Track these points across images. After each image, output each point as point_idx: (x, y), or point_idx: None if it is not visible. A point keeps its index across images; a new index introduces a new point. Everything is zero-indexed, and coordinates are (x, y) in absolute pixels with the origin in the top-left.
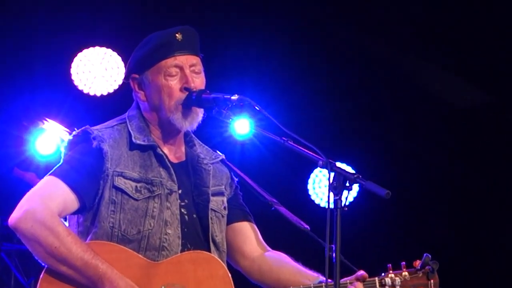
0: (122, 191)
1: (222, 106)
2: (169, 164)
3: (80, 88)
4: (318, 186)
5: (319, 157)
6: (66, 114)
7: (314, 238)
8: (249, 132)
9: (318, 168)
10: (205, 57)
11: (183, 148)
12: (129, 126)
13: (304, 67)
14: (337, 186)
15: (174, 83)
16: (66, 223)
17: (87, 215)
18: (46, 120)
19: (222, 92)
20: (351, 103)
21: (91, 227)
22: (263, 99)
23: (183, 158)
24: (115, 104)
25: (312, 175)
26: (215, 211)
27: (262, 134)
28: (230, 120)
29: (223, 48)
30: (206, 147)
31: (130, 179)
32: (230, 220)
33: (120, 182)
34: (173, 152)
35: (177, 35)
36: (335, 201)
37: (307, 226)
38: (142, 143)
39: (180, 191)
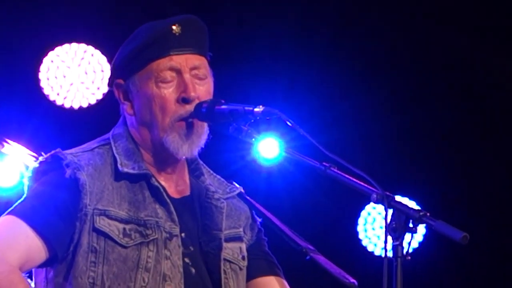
0: (106, 236)
1: (243, 122)
2: (168, 200)
3: (51, 98)
4: (371, 227)
5: (373, 188)
6: (32, 133)
7: None
8: (278, 156)
9: (371, 204)
10: (217, 59)
11: (186, 179)
12: (114, 148)
13: (349, 74)
14: (397, 227)
15: (169, 92)
16: (32, 283)
17: (59, 268)
18: (6, 142)
19: (241, 102)
20: (412, 119)
21: (64, 284)
22: (296, 112)
23: (187, 192)
24: (98, 120)
25: (363, 213)
26: (230, 261)
27: (296, 158)
28: (253, 140)
29: (241, 48)
30: (218, 177)
31: (116, 219)
32: (252, 274)
33: (103, 223)
34: (173, 184)
35: (174, 27)
36: (395, 248)
37: (354, 281)
38: (132, 171)
39: (183, 235)
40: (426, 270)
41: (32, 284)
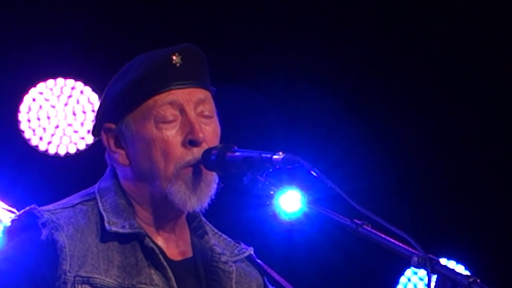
0: None
1: (259, 171)
2: (165, 263)
3: (33, 143)
4: None
5: (413, 250)
6: (10, 185)
7: None
8: (300, 211)
9: (412, 268)
10: (221, 94)
11: (187, 238)
12: (100, 204)
13: (381, 113)
14: None
15: (172, 134)
16: None
17: None
18: None
19: (258, 148)
20: (460, 165)
21: None
22: (320, 161)
23: (189, 254)
24: (88, 169)
25: (402, 279)
26: None
27: (322, 213)
28: (272, 193)
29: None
30: (224, 236)
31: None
32: None
33: None
34: (172, 245)
35: (174, 57)
36: None
37: None
38: (121, 230)
39: None
40: None
41: None
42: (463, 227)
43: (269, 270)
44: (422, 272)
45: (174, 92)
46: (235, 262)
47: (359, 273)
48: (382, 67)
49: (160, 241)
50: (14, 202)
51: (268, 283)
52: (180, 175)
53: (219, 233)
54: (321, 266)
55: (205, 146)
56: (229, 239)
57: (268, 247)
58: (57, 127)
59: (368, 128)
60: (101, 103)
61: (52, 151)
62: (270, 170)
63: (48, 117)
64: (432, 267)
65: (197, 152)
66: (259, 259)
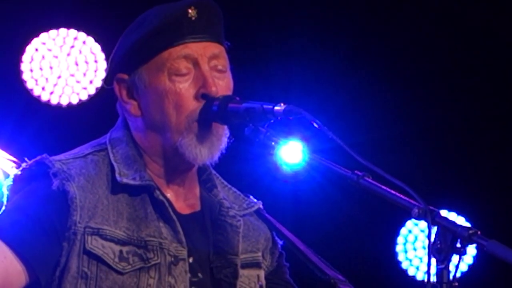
0: (99, 259)
1: (261, 122)
2: (174, 216)
3: (35, 93)
4: (412, 247)
5: (414, 202)
6: (13, 135)
7: None
8: (301, 162)
9: (412, 220)
10: (234, 49)
11: (197, 191)
12: (111, 155)
13: (381, 67)
14: (443, 248)
15: (185, 87)
16: None
17: None
18: None
19: (259, 100)
20: (462, 118)
21: None
22: (322, 112)
23: (197, 207)
24: (90, 119)
25: (403, 231)
26: None
27: (323, 165)
28: (273, 143)
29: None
30: (234, 189)
31: (111, 240)
32: None
33: (96, 244)
34: (181, 198)
35: (189, 10)
36: (439, 272)
37: None
38: (132, 182)
39: (191, 260)
40: None
41: None
42: (464, 179)
43: (277, 224)
44: (423, 224)
45: (189, 46)
46: (243, 216)
47: (360, 225)
48: (384, 18)
49: (169, 194)
50: (17, 152)
51: (276, 238)
52: (192, 128)
53: (229, 186)
54: (322, 218)
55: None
56: (238, 192)
57: (269, 198)
58: (59, 77)
59: (370, 81)
60: (114, 53)
61: (54, 101)
62: (272, 121)
63: (51, 67)
64: (433, 219)
65: None
66: (268, 213)
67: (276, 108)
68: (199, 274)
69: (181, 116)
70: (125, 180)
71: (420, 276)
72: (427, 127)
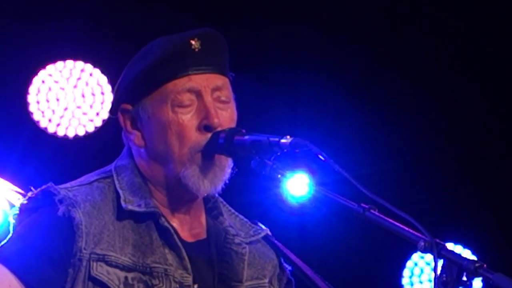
0: (104, 286)
1: (267, 155)
2: (179, 243)
3: (42, 125)
4: (418, 280)
5: (420, 235)
6: (19, 166)
7: None
8: (307, 195)
9: (418, 253)
10: (240, 80)
11: (203, 219)
12: (116, 182)
13: (387, 100)
14: (448, 281)
15: (188, 118)
16: None
17: None
18: None
19: (265, 132)
20: (468, 151)
21: None
22: (329, 145)
23: (203, 235)
24: (97, 151)
25: (409, 264)
26: None
27: (329, 197)
28: (280, 176)
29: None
30: (240, 216)
31: (117, 266)
32: None
33: (101, 271)
34: (186, 226)
35: (192, 42)
36: None
37: None
38: (137, 209)
39: (196, 287)
40: None
41: None
42: (470, 212)
43: (285, 250)
44: (429, 257)
45: (192, 78)
46: (250, 243)
47: (366, 257)
48: (391, 50)
49: (174, 222)
50: (23, 183)
51: (284, 264)
52: (194, 159)
53: (236, 213)
54: (328, 250)
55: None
56: (245, 219)
57: (276, 230)
58: (66, 109)
59: (375, 113)
60: (119, 83)
61: (61, 133)
62: (278, 153)
63: (57, 99)
64: (439, 252)
65: None
66: (276, 239)
67: (283, 140)
68: None
69: (184, 147)
70: (130, 207)
71: None
72: (433, 160)
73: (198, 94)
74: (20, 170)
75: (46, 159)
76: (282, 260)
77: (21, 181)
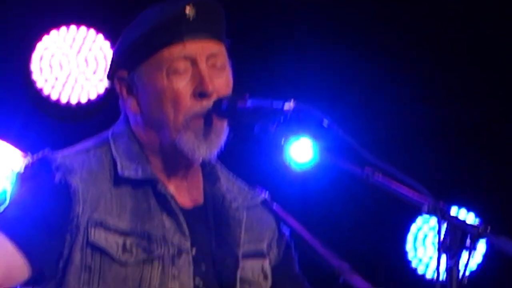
0: (102, 251)
1: (270, 120)
2: (177, 209)
3: (45, 92)
4: (422, 245)
5: (424, 199)
6: (22, 133)
7: None
8: (311, 160)
9: (422, 217)
10: (237, 44)
11: (200, 185)
12: (113, 149)
13: (391, 61)
14: (452, 245)
15: (183, 85)
16: None
17: (49, 287)
18: None
19: (269, 97)
20: (471, 112)
21: None
22: (331, 109)
23: (201, 201)
24: (100, 118)
25: (413, 228)
26: (249, 282)
27: (333, 162)
28: (283, 142)
29: (268, 36)
30: (239, 182)
31: (115, 231)
32: None
33: (99, 236)
34: (183, 192)
35: (187, 8)
36: (449, 269)
37: None
38: (134, 176)
39: (194, 252)
40: None
41: None
42: (474, 176)
43: (284, 215)
44: (433, 221)
45: (187, 45)
46: (248, 208)
47: (370, 222)
48: (398, 11)
49: (172, 189)
50: (26, 151)
51: (282, 229)
52: (189, 126)
53: (234, 178)
54: (332, 215)
55: (215, 98)
56: (243, 185)
57: (279, 197)
58: (68, 75)
59: (381, 78)
60: (114, 51)
61: (63, 100)
62: (281, 119)
63: (60, 66)
64: (443, 215)
65: (206, 104)
66: (275, 204)
67: (286, 106)
68: (202, 266)
69: (179, 114)
70: (127, 174)
71: (430, 274)
72: (436, 124)
73: (193, 62)
74: (23, 137)
75: (49, 126)
76: (281, 224)
77: (25, 148)
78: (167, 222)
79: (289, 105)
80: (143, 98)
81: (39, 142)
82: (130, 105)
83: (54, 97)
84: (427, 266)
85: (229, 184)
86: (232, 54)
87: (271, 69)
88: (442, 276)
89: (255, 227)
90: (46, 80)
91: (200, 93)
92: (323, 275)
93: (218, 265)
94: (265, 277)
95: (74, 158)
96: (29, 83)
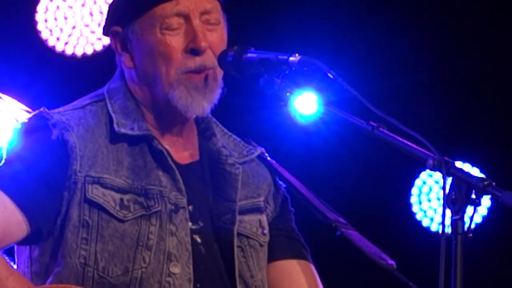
0: (100, 208)
1: (275, 73)
2: (173, 165)
3: (50, 44)
4: (427, 198)
5: (429, 153)
6: (27, 85)
7: (402, 280)
8: (316, 113)
9: (427, 171)
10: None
11: (195, 141)
12: (109, 105)
13: (397, 14)
14: (457, 199)
15: (175, 40)
16: (13, 265)
17: (45, 246)
18: None
19: (274, 50)
20: (477, 65)
21: (52, 264)
22: (336, 62)
23: (196, 157)
24: (104, 70)
25: (417, 182)
26: (248, 237)
27: (337, 116)
28: (288, 94)
29: None
30: (234, 136)
31: (112, 188)
32: (273, 255)
33: (96, 193)
34: (180, 148)
35: None
36: (454, 223)
37: (393, 262)
38: (130, 132)
39: (191, 208)
40: (490, 249)
41: (14, 266)
42: (478, 130)
43: (279, 168)
44: (437, 175)
45: (181, 1)
46: (244, 163)
47: (375, 176)
48: None
49: (167, 144)
50: (31, 103)
51: (278, 182)
52: (181, 81)
53: (229, 133)
54: (336, 169)
55: (209, 54)
56: (238, 139)
57: (283, 150)
58: (74, 27)
59: (385, 29)
60: (110, 6)
61: (69, 51)
62: (286, 71)
63: (65, 18)
64: (447, 170)
65: (199, 60)
66: (271, 158)
67: (291, 58)
68: (200, 222)
69: (171, 68)
70: (123, 130)
71: (435, 227)
72: (441, 78)
73: (187, 18)
74: (28, 89)
75: (54, 78)
76: (276, 178)
77: (29, 100)
78: (164, 179)
79: (294, 58)
80: (137, 54)
81: (43, 95)
82: (124, 60)
83: (59, 49)
84: (432, 219)
85: (224, 139)
86: (235, 8)
87: (274, 22)
88: (447, 229)
89: (251, 181)
90: (51, 32)
91: (192, 49)
92: (320, 229)
93: (215, 221)
94: (263, 231)
95: (70, 115)
96: (34, 34)
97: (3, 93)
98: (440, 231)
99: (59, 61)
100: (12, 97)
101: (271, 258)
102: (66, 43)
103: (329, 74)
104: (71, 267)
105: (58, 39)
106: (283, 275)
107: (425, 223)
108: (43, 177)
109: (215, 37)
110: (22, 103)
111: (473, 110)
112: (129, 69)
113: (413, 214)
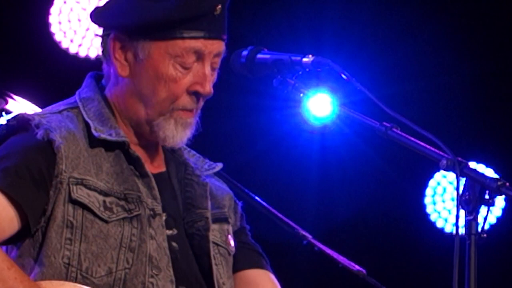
0: (85, 207)
1: (289, 74)
2: (149, 172)
3: (63, 46)
4: (441, 199)
5: (443, 153)
6: (41, 87)
7: (375, 284)
8: (330, 114)
9: (441, 172)
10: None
11: (161, 153)
12: (84, 113)
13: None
14: (471, 199)
15: (184, 79)
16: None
17: (27, 245)
18: (11, 97)
19: (288, 51)
20: (491, 71)
21: (34, 264)
22: (350, 63)
23: (163, 168)
24: None
25: (431, 183)
26: (218, 245)
27: (351, 116)
28: (301, 95)
29: None
30: (193, 152)
31: (95, 190)
32: (236, 266)
33: (82, 193)
34: (149, 158)
35: (218, 7)
36: (468, 223)
37: (362, 269)
38: (109, 138)
39: (165, 216)
40: (505, 249)
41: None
42: (492, 131)
43: (238, 185)
44: (451, 176)
45: (203, 41)
46: (206, 177)
47: (389, 177)
48: None
49: (139, 153)
50: (44, 105)
51: (235, 198)
52: (173, 115)
53: (188, 149)
54: (350, 170)
55: (204, 99)
56: (197, 154)
57: (297, 152)
58: (87, 29)
59: (400, 31)
60: (123, 10)
61: (82, 53)
62: (300, 72)
63: (79, 20)
64: (461, 170)
65: (198, 102)
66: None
67: (305, 59)
68: (174, 229)
69: (170, 103)
70: (102, 136)
71: (449, 228)
72: (456, 79)
73: (200, 57)
74: (41, 91)
75: (68, 80)
76: (233, 193)
77: (42, 102)
78: (140, 185)
79: (308, 59)
80: (138, 70)
81: (56, 97)
82: (118, 67)
83: (73, 50)
84: (446, 220)
85: (185, 152)
86: (249, 8)
87: (290, 24)
88: (461, 230)
89: (215, 194)
90: (64, 34)
91: (196, 92)
92: (288, 240)
93: (188, 228)
94: (232, 241)
95: (50, 118)
96: (48, 36)
97: (16, 95)
98: (454, 232)
99: (73, 63)
100: (25, 99)
101: (236, 268)
102: (79, 45)
103: (343, 75)
104: (54, 267)
105: (71, 41)
106: (249, 285)
107: (439, 224)
108: (32, 174)
109: (211, 83)
110: (35, 104)
111: (487, 111)
112: (120, 78)
113: (427, 215)
